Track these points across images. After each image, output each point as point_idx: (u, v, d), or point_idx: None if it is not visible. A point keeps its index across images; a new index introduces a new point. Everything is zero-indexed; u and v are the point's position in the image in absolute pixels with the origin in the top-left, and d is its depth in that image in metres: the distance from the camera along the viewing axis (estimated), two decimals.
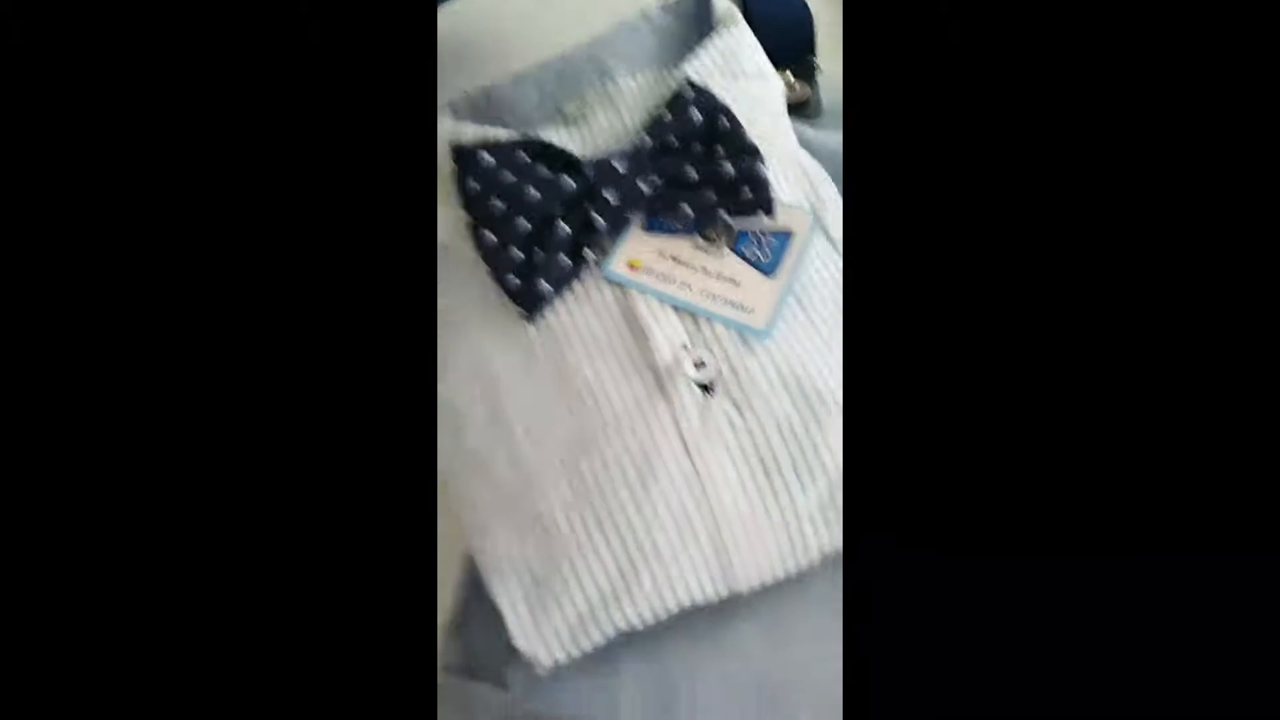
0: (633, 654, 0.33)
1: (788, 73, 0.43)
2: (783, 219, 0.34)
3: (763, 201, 0.33)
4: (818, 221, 0.36)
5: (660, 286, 0.34)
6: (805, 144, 0.40)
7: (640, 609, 0.32)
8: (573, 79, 0.39)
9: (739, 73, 0.38)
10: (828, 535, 0.32)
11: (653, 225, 0.35)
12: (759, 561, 0.32)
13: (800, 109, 0.43)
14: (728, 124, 0.34)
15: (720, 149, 0.34)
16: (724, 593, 0.32)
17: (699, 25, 0.40)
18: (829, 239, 0.36)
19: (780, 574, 0.32)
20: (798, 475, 0.32)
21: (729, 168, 0.34)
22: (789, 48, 0.44)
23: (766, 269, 0.34)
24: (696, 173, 0.34)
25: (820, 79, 0.44)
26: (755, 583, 0.32)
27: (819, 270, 0.35)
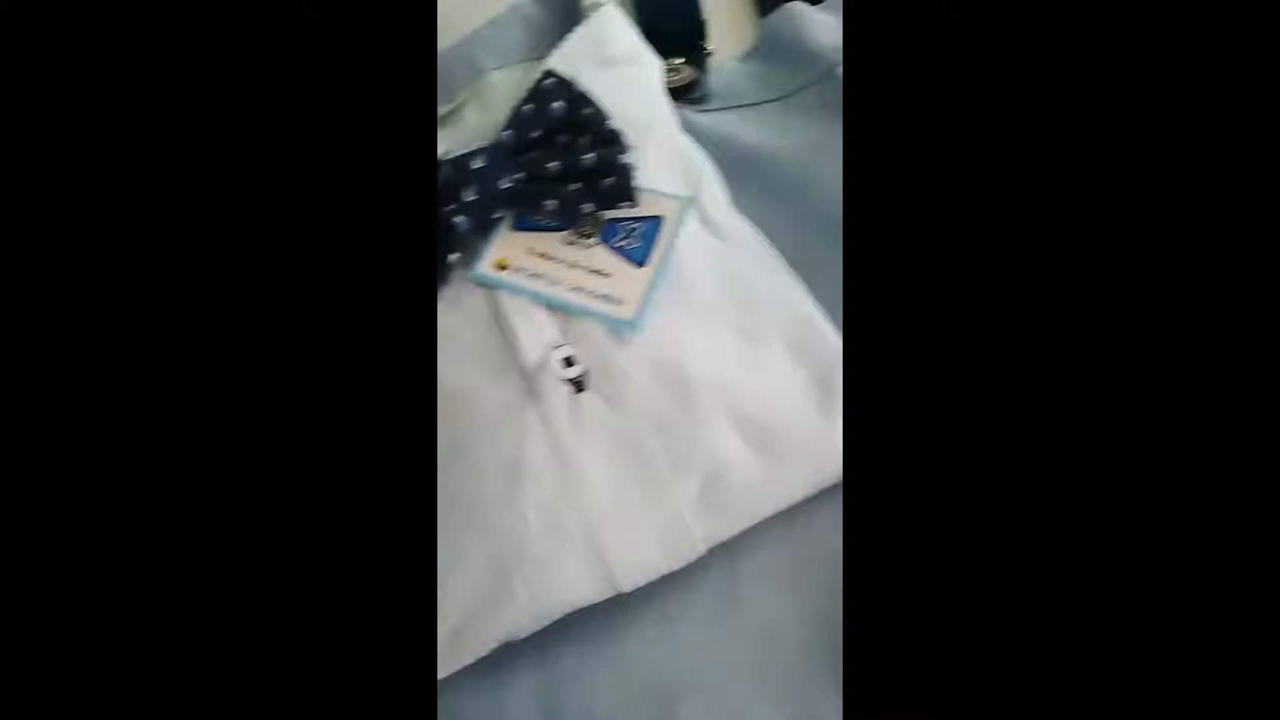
0: (522, 662, 0.32)
1: (677, 59, 0.42)
2: (650, 206, 0.34)
3: (624, 189, 0.32)
4: (695, 205, 0.35)
5: (529, 285, 0.33)
6: (692, 128, 0.39)
7: (519, 618, 0.31)
8: (447, 78, 0.38)
9: (607, 60, 0.37)
10: (712, 524, 0.31)
11: (522, 223, 0.34)
12: (640, 558, 0.31)
13: (687, 93, 0.42)
14: (590, 113, 0.34)
15: (582, 139, 0.33)
16: (608, 593, 0.31)
17: (568, 15, 0.39)
18: (708, 223, 0.35)
19: (665, 569, 0.31)
20: (673, 465, 0.31)
21: (590, 157, 0.33)
22: (680, 34, 0.43)
23: (637, 258, 0.33)
24: (559, 165, 0.33)
25: (711, 63, 0.43)
26: (640, 580, 0.31)
27: (696, 255, 0.34)
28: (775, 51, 0.41)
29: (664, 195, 0.34)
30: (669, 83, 0.41)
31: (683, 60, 0.42)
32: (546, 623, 0.32)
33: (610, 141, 0.33)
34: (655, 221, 0.33)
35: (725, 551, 0.33)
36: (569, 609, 0.31)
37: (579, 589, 0.31)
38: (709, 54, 0.43)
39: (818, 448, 0.32)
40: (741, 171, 0.37)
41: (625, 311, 0.32)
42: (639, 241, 0.33)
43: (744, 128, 0.40)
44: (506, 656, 0.32)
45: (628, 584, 0.31)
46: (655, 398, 0.31)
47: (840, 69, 0.38)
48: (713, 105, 0.41)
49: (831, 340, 0.33)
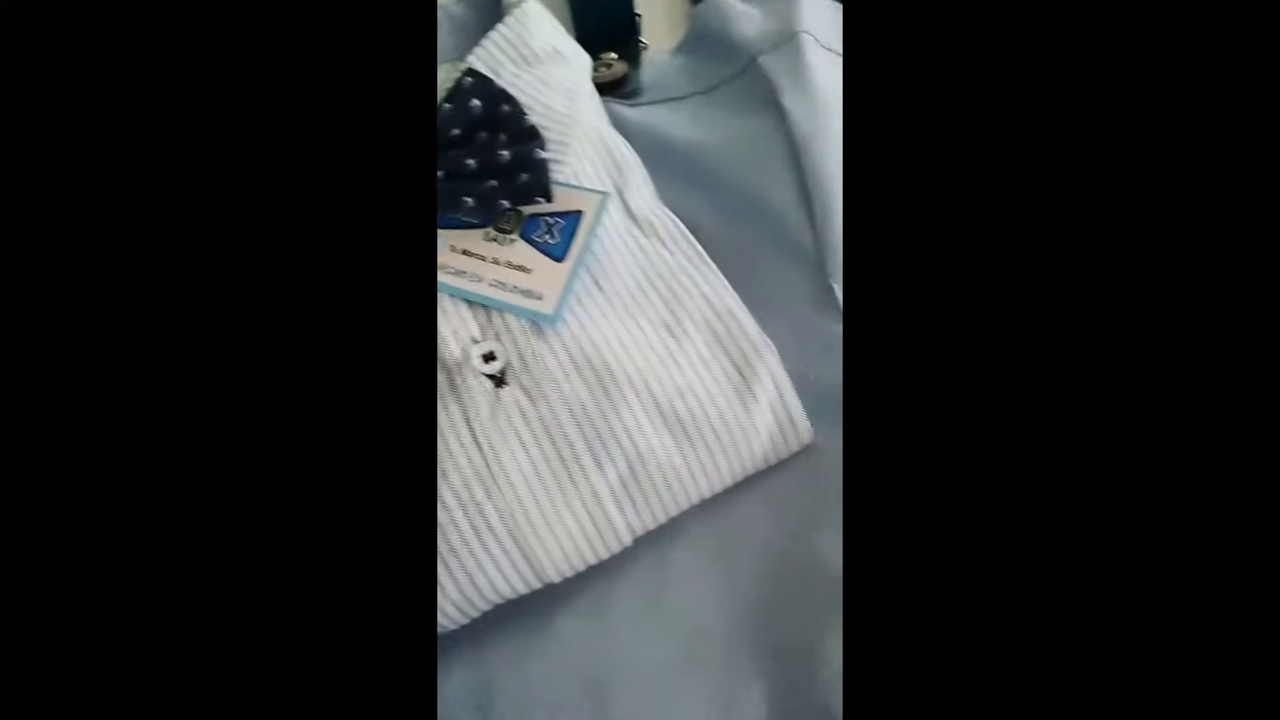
0: (455, 654, 0.33)
1: (610, 54, 0.43)
2: (569, 201, 0.34)
3: (539, 185, 0.33)
4: (618, 199, 0.35)
5: (451, 281, 0.33)
6: (621, 123, 0.39)
7: (445, 610, 0.31)
8: None
9: (530, 57, 0.37)
10: (634, 513, 0.32)
11: (444, 221, 0.34)
12: (563, 548, 0.31)
13: (619, 88, 0.42)
14: (508, 110, 0.34)
15: (501, 136, 0.34)
16: (534, 584, 0.32)
17: (494, 14, 0.39)
18: (632, 216, 0.35)
19: (590, 559, 0.32)
20: (593, 456, 0.31)
21: (505, 154, 0.33)
22: (613, 30, 0.44)
23: (556, 253, 0.33)
24: (476, 163, 0.33)
25: (644, 58, 0.44)
26: (565, 570, 0.32)
27: (619, 248, 0.34)
28: (702, 44, 0.42)
29: (583, 190, 0.34)
30: (601, 78, 0.41)
31: (616, 56, 0.43)
32: (476, 614, 0.32)
33: (527, 138, 0.33)
34: (575, 216, 0.34)
35: (653, 542, 0.33)
36: (498, 600, 0.32)
37: (506, 581, 0.31)
38: (643, 49, 0.44)
39: (738, 436, 0.32)
40: (669, 164, 0.38)
41: (545, 306, 0.32)
42: (558, 237, 0.33)
43: (672, 121, 0.40)
44: (440, 649, 0.32)
45: (554, 574, 0.32)
46: (575, 390, 0.31)
47: (762, 59, 0.38)
48: (643, 99, 0.42)
49: (751, 330, 0.33)
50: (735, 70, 0.40)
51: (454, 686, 0.32)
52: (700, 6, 0.42)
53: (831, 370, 0.34)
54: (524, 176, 0.33)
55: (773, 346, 0.33)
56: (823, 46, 0.39)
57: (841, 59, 0.39)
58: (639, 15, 0.44)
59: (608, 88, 0.41)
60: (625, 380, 0.32)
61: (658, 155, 0.38)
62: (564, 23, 0.43)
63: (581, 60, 0.39)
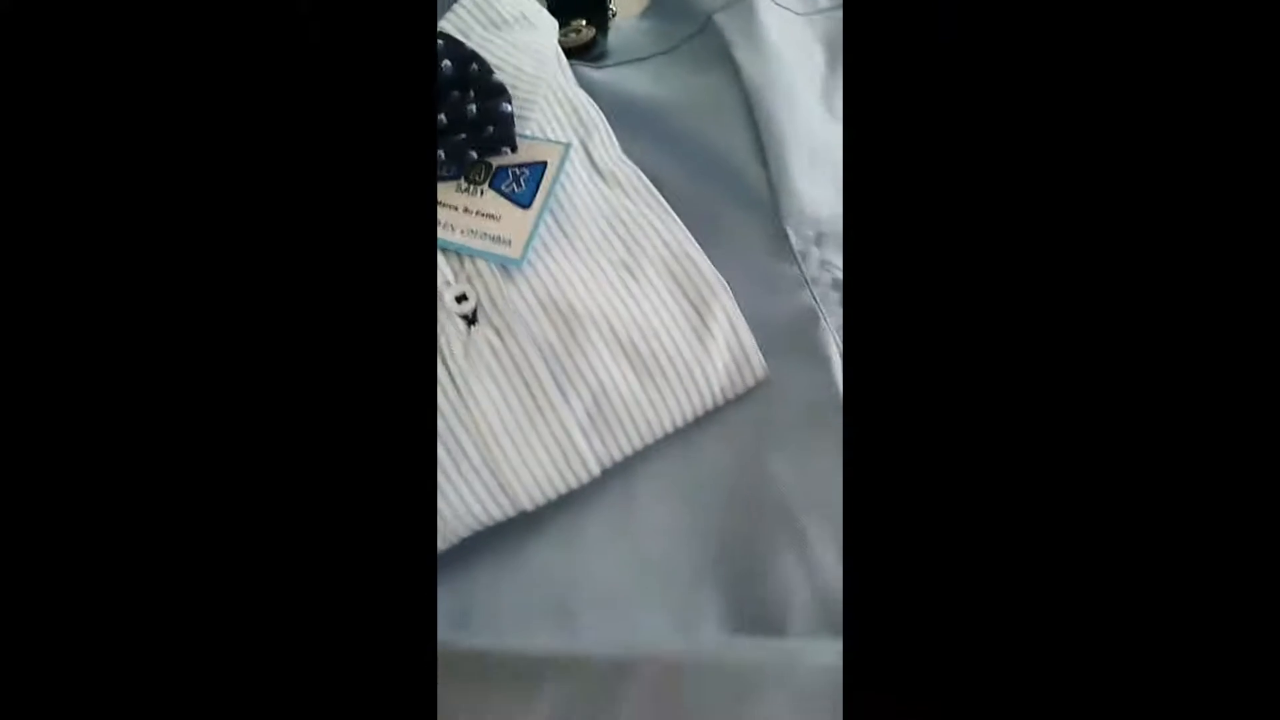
0: (440, 577, 0.35)
1: (580, 20, 0.45)
2: (535, 153, 0.36)
3: (505, 136, 0.35)
4: (584, 152, 0.37)
5: None
6: (588, 84, 0.41)
7: None
8: None
9: (499, 21, 0.39)
10: (601, 444, 0.34)
11: None
12: (535, 476, 0.34)
13: (587, 51, 0.44)
14: (476, 70, 0.36)
15: (470, 93, 0.36)
16: (509, 511, 0.34)
17: None
18: (596, 169, 0.38)
19: (561, 487, 0.34)
20: (560, 389, 0.33)
21: (473, 109, 0.35)
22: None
23: (523, 201, 0.35)
24: (446, 119, 0.35)
25: (612, 23, 0.46)
26: (538, 498, 0.34)
27: (583, 198, 0.36)
28: (665, 7, 0.44)
29: (547, 142, 0.36)
30: (570, 43, 0.43)
31: (585, 21, 0.45)
32: (456, 540, 0.34)
33: (493, 94, 0.35)
34: (540, 167, 0.36)
35: (621, 475, 0.35)
36: (477, 527, 0.34)
37: (484, 508, 0.34)
38: (612, 15, 0.46)
39: (695, 370, 0.34)
40: (633, 120, 0.40)
41: (513, 251, 0.34)
42: (524, 186, 0.36)
43: (636, 80, 0.42)
44: None
45: (528, 502, 0.34)
46: (542, 328, 0.34)
47: (717, 16, 0.41)
48: (610, 62, 0.44)
49: (706, 271, 0.35)
50: (694, 29, 0.42)
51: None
52: None
53: (785, 309, 0.36)
54: (490, 129, 0.35)
55: (727, 286, 0.35)
56: (775, 4, 0.41)
57: (793, 15, 0.41)
58: None
59: (577, 51, 0.43)
60: (589, 319, 0.34)
61: (622, 112, 0.40)
62: None
63: (549, 24, 0.41)
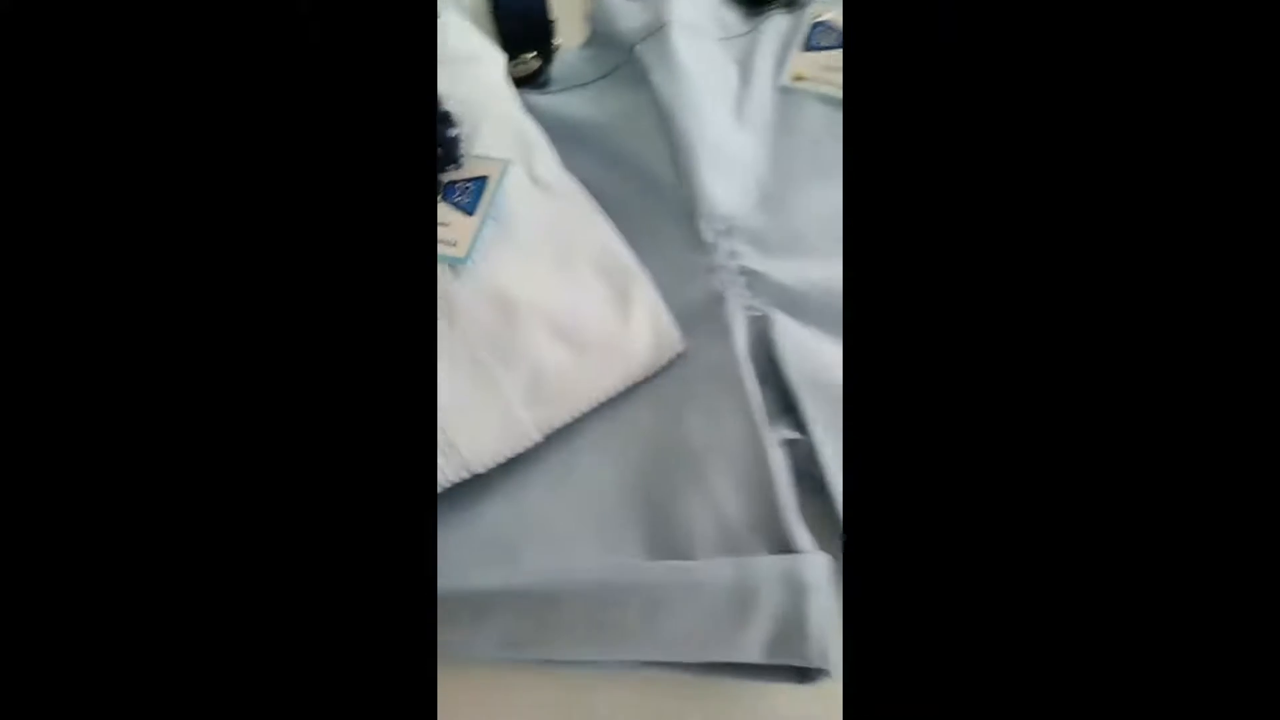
0: None
1: (528, 53, 0.51)
2: (479, 169, 0.42)
3: (451, 155, 0.41)
4: (523, 167, 0.44)
5: None
6: (534, 108, 0.47)
7: None
8: None
9: (450, 58, 0.45)
10: (539, 412, 0.40)
11: None
12: (484, 444, 0.39)
13: (533, 80, 0.51)
14: None
15: None
16: (464, 474, 0.40)
17: None
18: (536, 181, 0.44)
19: (507, 451, 0.40)
20: (502, 364, 0.39)
21: None
22: (532, 34, 0.52)
23: (469, 209, 0.41)
24: None
25: (557, 55, 0.52)
26: (489, 462, 0.39)
27: (525, 206, 0.43)
28: (598, 39, 0.50)
29: (489, 160, 0.43)
30: (520, 72, 0.50)
31: (533, 55, 0.51)
32: None
33: (443, 122, 0.42)
34: (483, 180, 0.42)
35: (563, 440, 0.41)
36: (437, 489, 0.40)
37: (439, 474, 0.39)
38: (556, 47, 0.52)
39: (621, 347, 0.40)
40: (570, 139, 0.46)
41: (458, 251, 0.40)
42: (469, 196, 0.42)
43: (575, 104, 0.48)
44: None
45: (479, 465, 0.40)
46: (486, 317, 0.40)
47: (638, 47, 0.47)
48: (553, 88, 0.50)
49: (630, 264, 0.41)
50: (622, 59, 0.48)
51: None
52: (595, 7, 0.51)
53: (697, 293, 0.42)
54: (439, 150, 0.41)
55: (647, 274, 0.41)
56: (690, 32, 0.47)
57: (710, 40, 0.47)
58: (554, 20, 0.53)
59: (525, 80, 0.50)
60: (526, 306, 0.40)
61: (562, 132, 0.46)
62: (489, 29, 0.52)
63: (496, 58, 0.47)
